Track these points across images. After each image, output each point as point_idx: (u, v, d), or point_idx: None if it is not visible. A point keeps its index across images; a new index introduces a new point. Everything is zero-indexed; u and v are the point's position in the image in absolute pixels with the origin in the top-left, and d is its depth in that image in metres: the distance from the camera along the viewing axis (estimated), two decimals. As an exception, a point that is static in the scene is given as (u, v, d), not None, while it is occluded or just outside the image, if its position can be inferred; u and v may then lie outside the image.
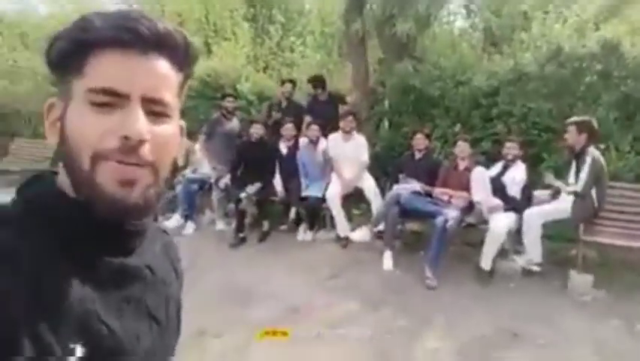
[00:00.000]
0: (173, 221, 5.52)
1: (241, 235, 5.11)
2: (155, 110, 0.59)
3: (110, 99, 0.56)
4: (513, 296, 3.86)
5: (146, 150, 0.57)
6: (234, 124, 5.91)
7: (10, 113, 8.32)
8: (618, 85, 4.95)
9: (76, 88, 0.57)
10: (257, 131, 5.39)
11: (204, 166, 5.85)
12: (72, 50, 0.57)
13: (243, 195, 5.10)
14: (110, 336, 0.58)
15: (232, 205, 5.46)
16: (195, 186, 5.68)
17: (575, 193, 4.06)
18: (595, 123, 4.19)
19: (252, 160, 5.37)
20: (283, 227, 5.45)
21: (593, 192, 4.05)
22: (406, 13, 5.99)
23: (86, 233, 0.59)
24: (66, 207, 0.59)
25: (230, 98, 5.92)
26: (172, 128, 0.62)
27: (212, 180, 5.59)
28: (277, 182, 5.47)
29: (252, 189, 5.17)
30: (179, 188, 5.61)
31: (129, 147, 0.55)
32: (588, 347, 3.09)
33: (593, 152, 4.09)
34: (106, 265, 0.61)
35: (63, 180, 0.60)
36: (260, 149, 5.39)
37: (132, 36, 0.56)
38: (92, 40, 0.56)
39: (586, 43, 5.76)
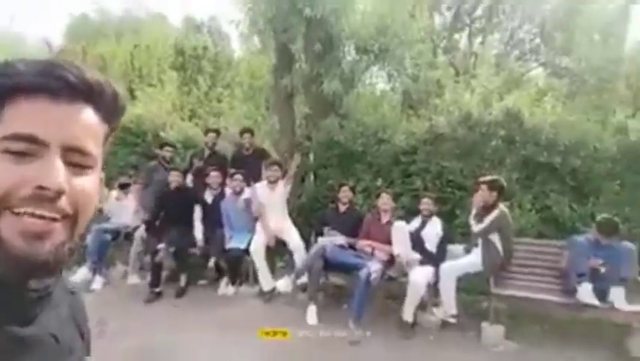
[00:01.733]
0: (80, 275, 5.06)
1: (157, 289, 4.81)
2: (75, 160, 0.56)
3: (28, 147, 0.52)
4: (433, 348, 3.95)
5: (63, 202, 0.53)
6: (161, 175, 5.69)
7: None
8: (520, 149, 5.48)
9: None
10: (175, 178, 5.25)
11: (121, 215, 5.51)
12: None
13: (160, 246, 4.85)
14: None
15: (148, 258, 5.13)
16: (108, 237, 5.30)
17: (478, 235, 4.33)
18: (503, 182, 4.56)
19: (172, 209, 5.17)
20: (202, 281, 5.22)
21: (499, 244, 4.34)
22: (333, 72, 6.32)
23: None
24: None
25: (170, 148, 5.77)
26: (93, 179, 0.58)
27: (133, 230, 5.27)
28: (198, 232, 5.29)
29: (177, 241, 4.96)
30: (88, 238, 5.17)
31: (44, 198, 0.51)
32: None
33: (500, 206, 4.42)
34: (3, 336, 0.54)
35: None
36: (179, 197, 5.22)
37: (60, 84, 0.54)
38: (14, 86, 0.53)
39: (492, 111, 6.39)
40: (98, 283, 5.08)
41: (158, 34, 10.77)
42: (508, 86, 8.48)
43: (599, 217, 4.23)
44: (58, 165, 0.53)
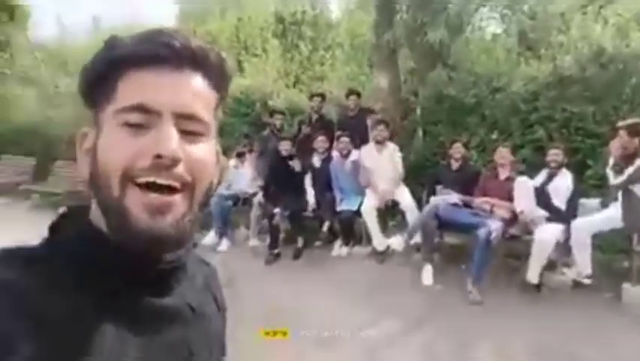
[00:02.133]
0: (208, 238, 5.53)
1: (275, 251, 5.07)
2: (189, 128, 0.55)
3: (142, 118, 0.53)
4: (563, 311, 3.65)
5: (180, 170, 0.53)
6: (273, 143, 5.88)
7: (53, 137, 8.65)
8: (667, 86, 4.66)
9: (108, 112, 0.54)
10: (285, 147, 5.39)
11: (239, 182, 5.86)
12: (103, 71, 0.55)
13: (276, 210, 5.06)
14: None
15: (266, 221, 5.43)
16: (229, 203, 5.68)
17: (618, 187, 3.82)
18: None
19: (284, 176, 5.34)
20: (318, 243, 5.38)
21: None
22: (438, 20, 5.90)
23: (119, 275, 0.54)
24: (96, 248, 0.54)
25: (280, 115, 5.95)
26: (208, 147, 0.58)
27: (252, 196, 5.58)
28: (310, 196, 5.41)
29: (292, 205, 5.15)
30: (212, 205, 5.60)
31: (161, 166, 0.52)
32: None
33: None
34: (143, 307, 0.56)
35: (95, 216, 0.56)
36: (290, 165, 5.37)
37: (167, 51, 0.54)
38: (123, 57, 0.54)
39: (629, 44, 5.50)
40: (224, 245, 5.50)
41: (259, 5, 11.00)
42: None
43: None
44: (172, 132, 0.53)
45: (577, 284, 3.95)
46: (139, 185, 0.52)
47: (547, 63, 5.76)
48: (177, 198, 0.54)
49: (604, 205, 4.10)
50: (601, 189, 4.59)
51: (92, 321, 0.50)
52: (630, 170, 3.83)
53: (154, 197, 0.52)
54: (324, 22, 9.43)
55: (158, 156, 0.51)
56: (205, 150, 0.57)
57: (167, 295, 0.59)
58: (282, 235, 5.28)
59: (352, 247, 5.10)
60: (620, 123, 4.02)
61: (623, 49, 5.28)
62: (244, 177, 5.90)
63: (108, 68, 0.54)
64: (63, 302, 0.49)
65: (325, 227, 5.34)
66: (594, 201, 4.20)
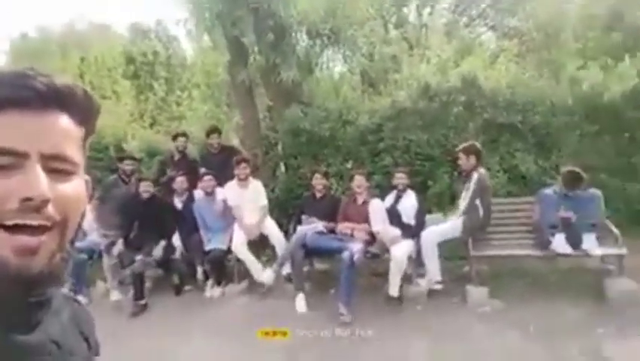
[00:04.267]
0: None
1: (141, 302, 4.72)
2: (56, 167, 0.56)
3: (8, 161, 0.52)
4: (422, 317, 4.06)
5: (50, 210, 0.54)
6: (132, 188, 5.51)
7: None
8: (481, 113, 5.60)
9: None
10: (146, 188, 5.13)
11: (92, 233, 5.35)
12: None
13: (138, 257, 4.76)
14: None
15: (127, 272, 5.03)
16: (84, 256, 5.14)
17: (463, 212, 4.46)
18: (479, 146, 4.66)
19: (146, 220, 5.07)
20: (188, 287, 5.16)
21: (480, 207, 4.45)
22: (289, 61, 6.28)
23: None
24: None
25: (129, 161, 5.57)
26: (77, 184, 0.59)
27: (103, 248, 5.12)
28: (176, 238, 5.23)
29: (158, 250, 4.93)
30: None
31: (31, 208, 0.52)
32: (493, 356, 3.32)
33: (479, 171, 4.53)
34: (6, 344, 0.54)
35: None
36: (153, 207, 5.12)
37: (30, 93, 0.54)
38: None
39: (449, 79, 6.50)
40: (80, 303, 4.93)
41: (105, 45, 10.44)
42: (461, 53, 8.60)
43: (563, 169, 4.39)
44: (40, 174, 0.53)
45: (431, 292, 4.43)
46: (6, 227, 0.52)
47: (386, 98, 6.47)
48: (47, 238, 0.54)
49: (447, 217, 4.69)
50: (441, 205, 5.27)
51: None
52: (471, 184, 4.47)
53: (23, 239, 0.52)
54: (177, 63, 9.33)
55: (27, 199, 0.51)
56: (75, 187, 0.58)
57: (31, 331, 0.58)
58: (147, 285, 4.97)
59: (225, 286, 5.01)
60: (458, 147, 4.71)
61: (444, 84, 6.21)
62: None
63: None
64: None
65: (199, 273, 5.15)
66: (436, 216, 4.79)
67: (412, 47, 9.46)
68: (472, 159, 4.58)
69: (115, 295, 5.06)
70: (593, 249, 4.04)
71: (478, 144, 4.71)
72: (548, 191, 4.34)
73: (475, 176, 4.49)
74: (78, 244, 5.11)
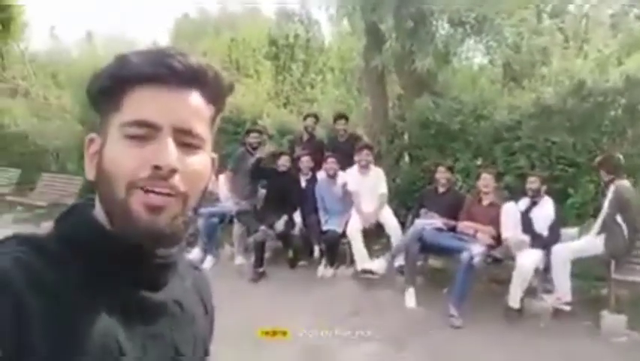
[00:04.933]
0: (193, 255, 5.50)
1: (260, 269, 5.06)
2: (186, 141, 0.60)
3: (144, 131, 0.58)
4: (543, 337, 3.70)
5: (176, 180, 0.58)
6: (255, 160, 5.87)
7: (38, 149, 8.58)
8: (644, 118, 4.84)
9: (113, 122, 0.60)
10: (285, 163, 5.45)
11: (225, 200, 5.86)
12: (111, 86, 0.60)
13: (261, 227, 5.09)
14: None
15: (251, 240, 5.43)
16: (216, 220, 5.68)
17: (601, 231, 3.94)
18: (617, 157, 4.12)
19: (278, 192, 5.39)
20: (303, 263, 5.38)
21: (623, 225, 3.90)
22: (425, 49, 6.07)
23: (117, 266, 0.60)
24: (99, 239, 0.60)
25: (255, 134, 5.95)
26: (203, 159, 0.63)
27: (234, 214, 5.57)
28: (297, 215, 5.46)
29: (280, 223, 5.20)
30: (200, 221, 5.60)
31: (160, 176, 0.57)
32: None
33: (617, 184, 3.99)
34: (135, 299, 0.61)
35: (98, 212, 0.62)
36: (285, 181, 5.43)
37: (167, 71, 0.59)
38: (128, 76, 0.59)
39: (609, 78, 5.71)
40: (208, 262, 5.47)
41: (253, 27, 11.20)
42: (627, 49, 7.48)
43: None
44: (170, 146, 0.58)
45: (557, 311, 4.01)
46: (141, 188, 0.57)
47: (529, 94, 5.93)
48: (172, 201, 0.58)
49: (582, 233, 4.18)
50: (581, 217, 4.70)
51: (90, 306, 0.56)
52: (606, 200, 3.96)
53: (152, 197, 0.57)
54: (316, 46, 9.62)
55: (157, 167, 0.56)
56: (200, 161, 0.62)
57: (157, 290, 0.64)
58: (267, 254, 5.28)
59: (337, 268, 5.12)
60: (597, 159, 4.19)
61: (602, 83, 5.48)
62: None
63: (115, 84, 0.60)
64: (64, 283, 0.55)
65: (316, 251, 5.33)
66: (573, 230, 4.29)
67: (567, 39, 8.50)
68: (607, 174, 4.07)
69: (239, 260, 5.52)
70: None
71: (617, 156, 4.14)
72: None
73: (612, 189, 3.96)
74: (212, 209, 5.68)
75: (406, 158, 6.27)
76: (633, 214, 3.94)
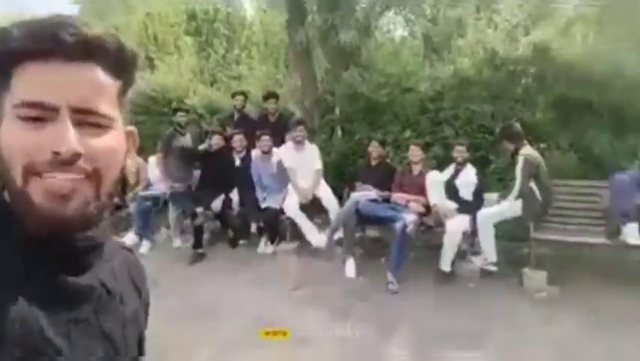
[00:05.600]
0: (127, 239, 5.26)
1: (199, 251, 4.99)
2: (90, 120, 0.55)
3: (39, 113, 0.52)
4: (473, 296, 3.99)
5: (81, 163, 0.54)
6: (187, 139, 5.69)
7: None
8: (552, 86, 5.25)
9: (4, 103, 0.54)
10: (218, 142, 5.35)
11: (158, 183, 5.64)
12: None
13: (199, 210, 4.99)
14: (56, 357, 0.54)
15: (188, 221, 5.31)
16: (149, 204, 5.49)
17: (517, 197, 4.25)
18: (515, 126, 4.43)
19: (212, 172, 5.29)
20: (243, 241, 5.35)
21: (537, 191, 4.24)
22: (347, 21, 6.10)
23: (32, 251, 0.55)
24: (11, 224, 0.55)
25: (182, 113, 5.76)
26: (112, 138, 0.58)
27: (168, 197, 5.41)
28: (234, 194, 5.41)
29: (217, 203, 5.15)
30: (132, 206, 5.45)
31: (61, 162, 0.52)
32: (545, 343, 3.21)
33: (524, 152, 4.27)
34: (57, 283, 0.57)
35: (7, 195, 0.57)
36: (218, 161, 5.33)
37: (55, 45, 0.53)
38: (12, 53, 0.53)
39: (518, 47, 6.10)
40: (144, 247, 5.32)
41: (168, 1, 10.55)
42: (533, 18, 8.02)
43: (641, 152, 4.08)
44: (69, 128, 0.53)
45: (484, 271, 4.34)
46: (41, 176, 0.53)
47: (449, 65, 6.19)
48: (81, 185, 0.54)
49: (503, 197, 4.49)
50: (502, 182, 5.06)
51: (9, 292, 0.52)
52: (517, 169, 4.25)
53: (55, 183, 0.53)
54: (238, 21, 9.30)
55: (57, 153, 0.52)
56: (109, 142, 0.57)
57: (80, 273, 0.60)
58: (206, 235, 5.21)
59: (277, 244, 5.15)
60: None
61: (512, 52, 5.83)
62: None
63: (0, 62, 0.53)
64: None
65: (254, 227, 5.31)
66: (495, 195, 4.60)
67: (479, 10, 8.93)
68: (508, 144, 4.39)
69: (177, 243, 5.43)
70: (669, 242, 3.77)
71: (515, 125, 4.45)
72: (623, 176, 4.04)
73: (520, 159, 4.25)
74: (144, 193, 5.51)
75: (339, 132, 6.34)
76: (544, 178, 4.27)
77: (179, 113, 5.72)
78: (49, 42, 0.52)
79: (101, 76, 0.56)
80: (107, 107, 0.57)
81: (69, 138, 0.52)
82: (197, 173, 5.64)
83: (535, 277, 4.05)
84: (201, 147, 5.57)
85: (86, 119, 0.54)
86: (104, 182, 0.57)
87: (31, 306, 0.53)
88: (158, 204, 5.57)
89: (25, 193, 0.53)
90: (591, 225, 4.28)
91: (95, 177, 0.55)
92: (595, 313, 3.51)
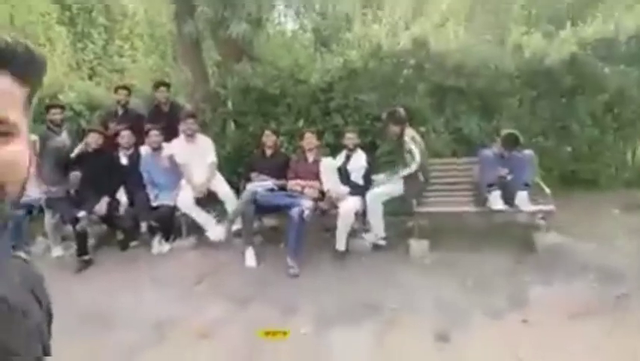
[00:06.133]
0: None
1: (85, 257, 4.64)
2: None
3: None
4: (367, 269, 4.26)
5: None
6: (64, 138, 5.22)
7: None
8: (429, 76, 5.72)
9: None
10: (95, 140, 4.93)
11: (31, 188, 5.09)
12: None
13: (81, 214, 4.63)
14: None
15: (70, 228, 4.88)
16: (22, 212, 4.91)
17: (415, 172, 4.57)
18: (400, 110, 4.77)
19: (92, 173, 4.89)
20: (134, 243, 5.08)
21: (419, 171, 4.62)
22: (238, 15, 6.06)
23: None
24: None
25: (56, 110, 5.24)
26: (15, 146, 0.56)
27: (43, 203, 4.91)
28: (121, 194, 5.10)
29: (102, 206, 4.80)
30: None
31: None
32: (431, 304, 3.58)
33: (409, 134, 4.64)
34: None
35: None
36: (99, 161, 4.94)
37: None
38: None
39: (400, 41, 6.54)
40: (20, 259, 4.76)
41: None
42: (412, 14, 8.67)
43: (502, 132, 4.62)
44: None
45: (375, 246, 4.65)
46: None
47: (338, 57, 6.44)
48: None
49: (390, 178, 4.80)
50: (389, 164, 5.41)
51: None
52: (416, 157, 4.52)
53: None
54: (118, 11, 8.75)
55: None
56: (13, 151, 0.56)
57: None
58: (91, 241, 4.86)
59: (173, 241, 4.98)
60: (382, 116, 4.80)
61: (395, 46, 6.25)
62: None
63: None
64: None
65: (144, 227, 5.05)
66: (381, 176, 4.91)
67: (365, 6, 9.41)
68: (395, 127, 4.69)
69: (57, 251, 4.95)
70: (525, 205, 4.35)
71: (401, 111, 4.77)
72: (488, 152, 4.58)
73: (409, 140, 4.57)
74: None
75: (232, 125, 6.29)
76: (424, 158, 4.65)
77: (53, 111, 5.21)
78: None
79: (10, 83, 0.55)
80: (14, 114, 0.55)
81: None
82: (76, 175, 5.08)
83: (419, 246, 4.44)
84: (78, 148, 5.08)
85: None
86: (8, 191, 0.55)
87: None
88: (32, 212, 4.99)
89: None
90: (464, 196, 4.78)
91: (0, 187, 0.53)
92: (469, 270, 4.00)
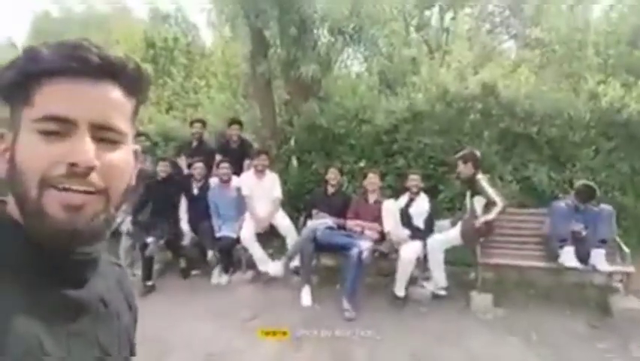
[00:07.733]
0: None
1: (149, 283, 4.82)
2: (105, 136, 0.59)
3: (58, 127, 0.56)
4: (425, 319, 4.10)
5: (95, 177, 0.57)
6: (145, 166, 5.57)
7: None
8: (497, 122, 5.60)
9: (25, 117, 0.57)
10: (164, 169, 5.22)
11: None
12: (20, 81, 0.57)
13: (149, 239, 4.84)
14: None
15: (137, 252, 5.10)
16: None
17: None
18: (477, 153, 4.64)
19: (160, 200, 5.16)
20: (195, 272, 5.23)
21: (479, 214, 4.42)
22: (309, 56, 6.30)
23: (34, 264, 0.58)
24: (13, 238, 0.58)
25: (141, 138, 5.65)
26: (123, 154, 0.62)
27: (126, 226, 5.19)
28: (184, 223, 5.29)
29: (161, 228, 4.99)
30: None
31: (76, 174, 0.56)
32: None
33: (480, 177, 4.46)
34: (56, 297, 0.59)
35: (12, 210, 0.59)
36: (167, 189, 5.21)
37: (81, 64, 0.57)
38: (39, 70, 0.57)
39: (468, 86, 6.48)
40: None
41: (126, 28, 10.52)
42: (481, 60, 8.59)
43: (576, 183, 4.39)
44: (87, 142, 0.56)
45: (435, 295, 4.48)
46: (57, 187, 0.56)
47: (403, 100, 6.48)
48: (93, 198, 0.58)
49: (453, 225, 4.69)
50: (452, 210, 5.29)
51: (8, 306, 0.53)
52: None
53: (69, 195, 0.56)
54: (197, 51, 9.38)
55: (73, 165, 0.55)
56: (121, 157, 0.61)
57: (80, 287, 0.63)
58: (156, 266, 5.05)
59: (232, 274, 5.08)
60: (457, 155, 4.70)
61: (462, 90, 6.20)
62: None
63: (25, 78, 0.57)
64: None
65: (209, 255, 5.18)
66: (445, 222, 4.81)
67: (432, 50, 9.47)
68: (469, 167, 4.53)
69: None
70: (601, 265, 4.03)
71: (476, 152, 4.64)
72: (561, 203, 4.34)
73: (483, 182, 4.40)
74: None
75: (294, 162, 6.43)
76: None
77: (137, 138, 5.61)
78: (77, 62, 0.57)
79: (119, 95, 0.61)
80: (122, 123, 0.61)
81: (87, 150, 0.56)
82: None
83: (481, 300, 4.22)
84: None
85: (103, 134, 0.58)
86: (113, 196, 0.60)
87: (32, 321, 0.54)
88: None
89: (40, 204, 0.55)
90: (533, 250, 4.52)
91: (105, 191, 0.58)
92: (536, 332, 3.71)
